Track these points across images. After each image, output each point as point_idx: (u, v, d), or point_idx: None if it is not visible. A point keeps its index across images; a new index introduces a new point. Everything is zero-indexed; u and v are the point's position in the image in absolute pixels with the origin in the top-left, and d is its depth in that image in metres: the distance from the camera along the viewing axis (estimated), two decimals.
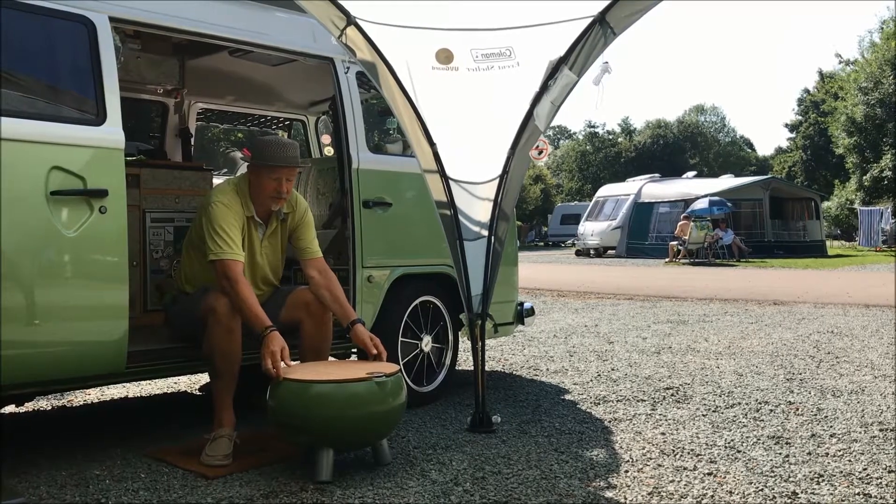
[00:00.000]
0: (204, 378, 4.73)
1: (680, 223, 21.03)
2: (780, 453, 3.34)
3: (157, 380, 4.99)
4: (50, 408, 4.35)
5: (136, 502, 2.76)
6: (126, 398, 4.68)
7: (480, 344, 3.82)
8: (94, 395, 4.67)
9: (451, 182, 3.79)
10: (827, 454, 3.33)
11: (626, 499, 2.81)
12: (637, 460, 3.27)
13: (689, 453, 3.36)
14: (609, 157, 57.23)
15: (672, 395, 4.51)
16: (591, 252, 25.44)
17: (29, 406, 4.25)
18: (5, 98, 2.92)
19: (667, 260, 20.87)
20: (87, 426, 4.02)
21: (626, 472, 3.12)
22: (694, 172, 31.75)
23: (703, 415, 4.03)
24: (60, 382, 3.21)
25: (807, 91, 48.38)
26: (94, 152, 3.10)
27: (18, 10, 2.98)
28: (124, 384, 4.76)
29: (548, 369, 5.39)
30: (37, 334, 2.93)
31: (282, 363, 3.08)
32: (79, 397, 4.59)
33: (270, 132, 5.75)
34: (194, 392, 4.84)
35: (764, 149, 78.16)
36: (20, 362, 2.91)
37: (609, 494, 2.85)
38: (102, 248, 3.10)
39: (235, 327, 3.21)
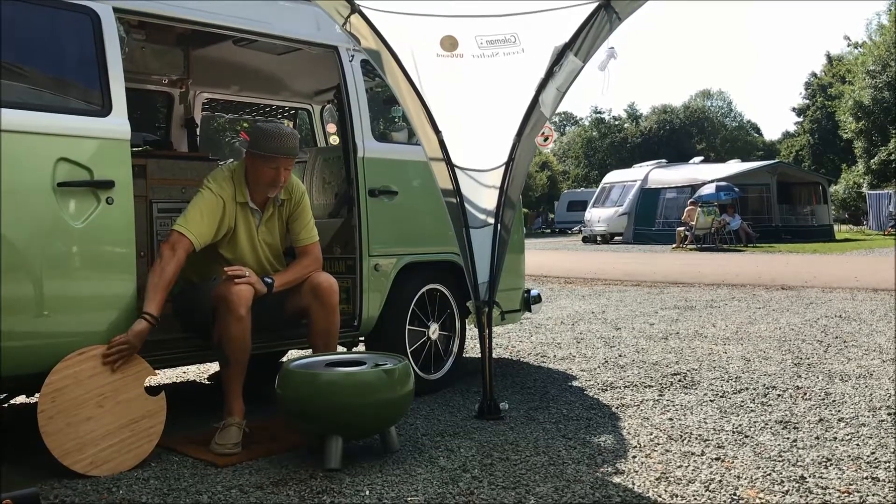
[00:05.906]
0: (213, 367, 4.76)
1: (687, 209, 20.99)
2: (788, 438, 3.34)
3: (165, 369, 5.02)
4: None
5: (146, 491, 2.78)
6: None
7: (487, 331, 3.83)
8: None
9: (456, 170, 3.79)
10: (835, 438, 3.33)
11: (633, 484, 2.82)
12: (645, 446, 3.28)
13: (696, 438, 3.36)
14: (615, 143, 57.06)
15: (679, 380, 4.52)
16: (598, 239, 25.43)
17: (38, 396, 4.27)
18: (12, 90, 2.93)
19: (674, 246, 20.84)
20: None
21: (634, 457, 3.12)
22: (701, 158, 31.65)
23: (711, 400, 4.04)
24: None
25: (814, 75, 48.11)
26: (100, 143, 3.11)
27: (23, 1, 2.98)
28: None
29: (555, 356, 5.40)
30: (46, 325, 2.95)
31: (115, 357, 3.02)
32: None
33: (274, 121, 5.75)
34: (203, 381, 4.87)
35: (771, 133, 77.99)
36: (30, 353, 2.94)
37: (617, 480, 2.86)
38: (110, 239, 3.12)
39: (245, 316, 3.21)
